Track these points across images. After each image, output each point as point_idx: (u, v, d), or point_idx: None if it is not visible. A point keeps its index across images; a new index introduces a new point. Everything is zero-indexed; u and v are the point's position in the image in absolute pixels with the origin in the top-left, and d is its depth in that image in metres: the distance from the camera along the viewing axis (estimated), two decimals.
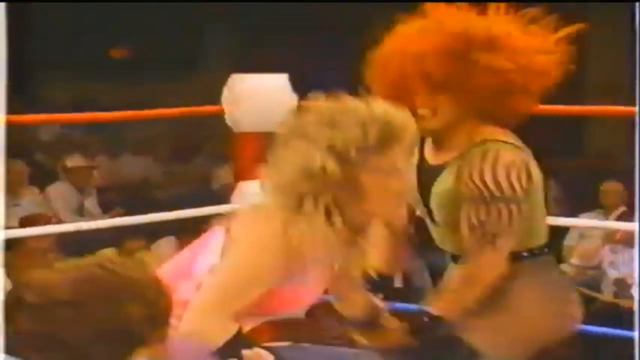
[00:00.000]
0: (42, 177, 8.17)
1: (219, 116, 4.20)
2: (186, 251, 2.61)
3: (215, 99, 4.30)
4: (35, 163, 8.56)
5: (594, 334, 5.44)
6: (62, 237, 6.72)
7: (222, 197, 4.92)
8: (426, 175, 2.87)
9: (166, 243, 6.55)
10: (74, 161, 8.30)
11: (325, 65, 8.65)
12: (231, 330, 2.42)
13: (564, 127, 10.20)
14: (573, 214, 7.51)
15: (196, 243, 2.59)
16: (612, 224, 7.07)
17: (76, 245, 6.86)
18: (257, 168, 4.45)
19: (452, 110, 2.82)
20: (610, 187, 7.79)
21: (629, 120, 10.62)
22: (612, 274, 7.00)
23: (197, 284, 2.48)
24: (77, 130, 9.40)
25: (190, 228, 6.19)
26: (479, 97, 2.82)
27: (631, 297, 6.65)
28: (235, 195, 4.20)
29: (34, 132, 9.48)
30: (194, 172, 9.14)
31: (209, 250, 2.53)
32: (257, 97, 4.12)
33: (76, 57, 10.17)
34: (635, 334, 2.42)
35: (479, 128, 2.83)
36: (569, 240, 7.59)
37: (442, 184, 2.83)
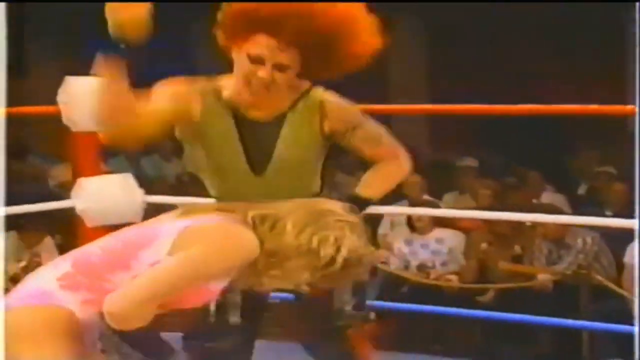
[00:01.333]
0: None
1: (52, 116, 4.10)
2: (119, 241, 2.46)
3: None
4: None
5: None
6: None
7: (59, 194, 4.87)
8: (258, 131, 2.92)
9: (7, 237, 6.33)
10: None
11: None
12: (148, 319, 2.34)
13: None
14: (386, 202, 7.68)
15: (133, 236, 2.47)
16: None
17: None
18: (95, 166, 4.49)
19: (296, 67, 2.86)
20: (412, 179, 7.47)
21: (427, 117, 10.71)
22: (414, 260, 7.03)
23: (133, 276, 2.36)
24: None
25: (31, 223, 6.15)
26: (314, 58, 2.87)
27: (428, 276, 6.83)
28: (75, 192, 4.12)
29: None
30: (28, 171, 8.90)
31: (153, 247, 2.40)
32: (91, 97, 4.09)
33: None
34: (635, 329, 2.35)
35: (299, 84, 2.94)
36: (381, 229, 7.58)
37: (292, 133, 2.90)
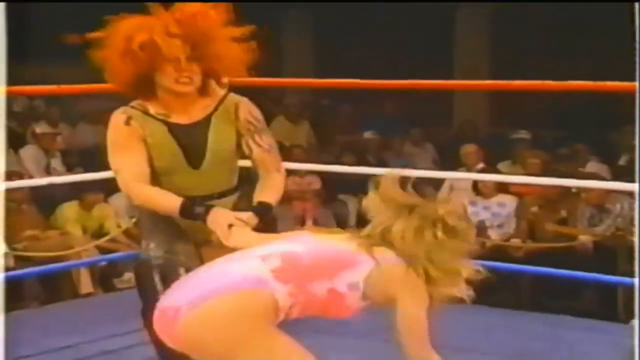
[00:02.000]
0: (15, 142, 8.05)
1: None
2: (323, 255, 2.55)
3: None
4: (9, 129, 8.55)
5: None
6: (34, 190, 6.80)
7: None
8: (189, 133, 3.06)
9: (121, 197, 6.54)
10: (41, 128, 8.32)
11: None
12: None
13: (437, 101, 10.50)
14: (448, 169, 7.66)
15: (334, 254, 2.55)
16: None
17: (46, 198, 7.07)
18: None
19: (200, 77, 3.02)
20: (469, 149, 7.78)
21: (488, 96, 10.85)
22: (476, 219, 6.97)
23: (330, 289, 2.47)
24: (41, 102, 9.41)
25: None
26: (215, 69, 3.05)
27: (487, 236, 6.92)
28: None
29: (9, 104, 9.48)
30: None
31: (354, 271, 2.50)
32: None
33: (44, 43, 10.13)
34: (636, 322, 2.20)
35: (215, 89, 3.12)
36: (442, 191, 7.56)
37: (218, 131, 3.06)
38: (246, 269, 2.48)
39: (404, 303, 2.52)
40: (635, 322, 2.24)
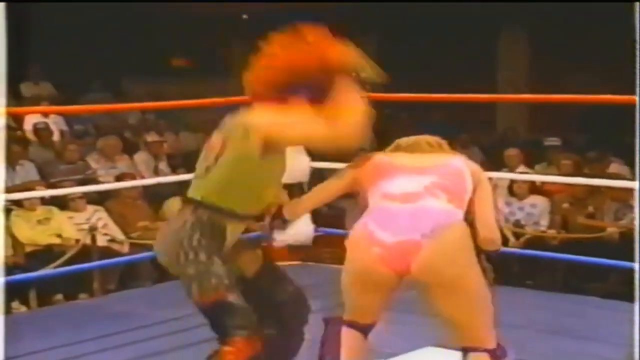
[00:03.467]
0: (130, 149, 8.20)
1: None
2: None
3: None
4: (125, 139, 8.56)
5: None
6: (145, 188, 6.94)
7: None
8: None
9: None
10: (151, 137, 8.40)
11: None
12: None
13: (482, 109, 10.41)
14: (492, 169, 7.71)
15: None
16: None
17: (155, 194, 7.18)
18: None
19: None
20: (512, 152, 7.67)
21: (527, 105, 10.72)
22: (512, 218, 7.03)
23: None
24: (152, 116, 9.57)
25: None
26: None
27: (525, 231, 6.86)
28: None
29: (125, 117, 9.63)
30: None
31: None
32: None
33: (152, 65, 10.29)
34: (636, 318, 2.13)
35: None
36: None
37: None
38: (440, 205, 2.34)
39: None
40: (636, 306, 2.07)
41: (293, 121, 2.54)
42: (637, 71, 2.17)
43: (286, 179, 4.19)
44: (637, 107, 2.34)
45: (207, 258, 2.61)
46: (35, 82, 9.89)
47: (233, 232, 2.68)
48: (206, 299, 2.63)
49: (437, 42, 10.48)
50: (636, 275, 2.18)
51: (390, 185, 2.42)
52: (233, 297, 2.63)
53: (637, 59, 2.16)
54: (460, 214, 2.40)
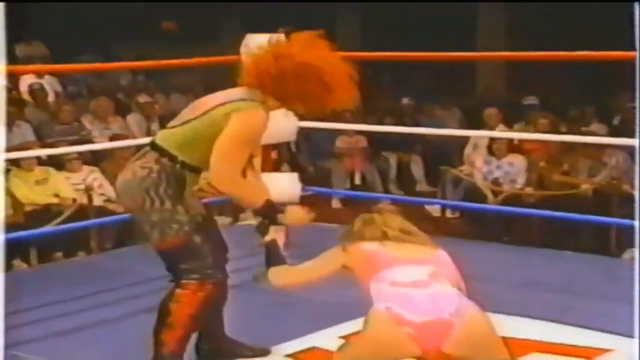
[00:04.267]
0: (123, 110, 8.17)
1: None
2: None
3: None
4: (118, 100, 8.51)
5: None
6: (138, 148, 6.97)
7: None
8: None
9: None
10: (143, 98, 8.41)
11: None
12: None
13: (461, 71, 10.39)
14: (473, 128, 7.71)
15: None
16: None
17: None
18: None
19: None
20: (491, 112, 7.73)
21: (505, 64, 10.67)
22: (490, 176, 7.07)
23: None
24: (142, 78, 9.51)
25: None
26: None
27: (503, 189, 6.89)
28: None
29: (116, 79, 9.57)
30: None
31: None
32: None
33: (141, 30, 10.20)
34: (636, 315, 2.07)
35: None
36: (467, 149, 7.62)
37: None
38: (449, 289, 2.48)
39: None
40: (635, 264, 2.06)
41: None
42: (637, 77, 2.15)
43: (274, 139, 4.24)
44: (637, 112, 2.37)
45: (172, 206, 2.75)
46: (27, 42, 9.80)
47: (190, 183, 2.80)
48: (166, 244, 2.77)
49: (420, 10, 10.45)
50: (636, 235, 2.12)
51: (396, 274, 2.49)
52: (191, 243, 2.78)
53: (638, 58, 2.15)
54: (472, 303, 2.52)
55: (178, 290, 2.80)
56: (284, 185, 4.12)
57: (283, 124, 4.10)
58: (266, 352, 3.04)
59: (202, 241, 2.81)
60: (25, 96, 8.39)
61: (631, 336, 2.95)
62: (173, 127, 2.82)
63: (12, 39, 9.72)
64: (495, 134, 7.27)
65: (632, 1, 2.28)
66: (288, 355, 3.01)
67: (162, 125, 7.83)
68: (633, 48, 2.27)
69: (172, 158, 2.76)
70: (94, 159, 6.83)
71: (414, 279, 2.45)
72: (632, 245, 5.93)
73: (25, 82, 8.48)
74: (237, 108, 2.74)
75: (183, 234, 2.77)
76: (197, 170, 2.82)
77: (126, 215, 5.91)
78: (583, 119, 7.96)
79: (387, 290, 2.44)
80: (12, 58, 9.36)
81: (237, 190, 2.78)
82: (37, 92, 8.24)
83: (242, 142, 2.71)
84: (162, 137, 2.82)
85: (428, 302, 2.39)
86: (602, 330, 3.11)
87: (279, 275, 2.71)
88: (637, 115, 1.98)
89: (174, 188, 2.76)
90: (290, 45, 2.82)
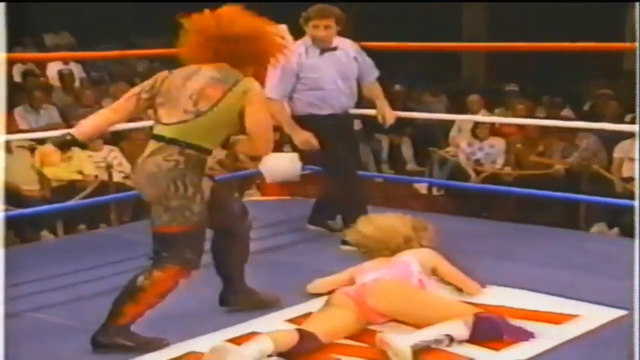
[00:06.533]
0: None
1: None
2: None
3: None
4: (135, 85, 8.53)
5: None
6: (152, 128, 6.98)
7: None
8: None
9: None
10: None
11: None
12: None
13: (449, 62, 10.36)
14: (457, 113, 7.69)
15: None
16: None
17: None
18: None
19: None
20: (473, 98, 7.73)
21: (485, 57, 10.68)
22: (473, 157, 7.09)
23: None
24: (158, 65, 9.46)
25: None
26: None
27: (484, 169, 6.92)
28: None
29: (134, 66, 9.55)
30: None
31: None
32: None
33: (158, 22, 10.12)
34: (636, 314, 2.01)
35: None
36: (452, 132, 7.59)
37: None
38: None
39: None
40: (636, 244, 2.05)
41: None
42: (637, 77, 2.13)
43: (280, 178, 4.21)
44: (637, 114, 2.32)
45: (193, 194, 2.73)
46: (55, 32, 9.79)
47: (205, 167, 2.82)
48: (172, 229, 2.74)
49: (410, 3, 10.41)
50: (636, 216, 2.09)
51: (366, 277, 2.99)
52: (194, 233, 2.76)
53: (637, 62, 2.15)
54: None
55: (157, 272, 2.76)
56: (285, 163, 4.12)
57: (289, 166, 4.10)
58: (277, 300, 3.10)
59: (203, 232, 2.81)
60: (53, 81, 8.37)
61: (597, 303, 3.02)
62: (185, 121, 2.75)
63: (42, 30, 9.72)
64: (478, 118, 7.27)
65: (633, 0, 2.24)
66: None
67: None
68: (618, 37, 2.26)
69: (197, 148, 2.74)
70: (114, 139, 6.83)
71: (370, 278, 2.94)
72: (599, 220, 6.02)
73: (53, 67, 8.46)
74: (245, 88, 2.76)
75: (192, 223, 2.74)
76: (210, 153, 2.81)
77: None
78: (557, 104, 7.94)
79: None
80: (41, 46, 9.37)
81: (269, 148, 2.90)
82: (66, 77, 8.23)
83: (264, 106, 2.82)
84: (179, 132, 2.74)
85: (363, 280, 2.96)
86: (571, 298, 3.12)
87: (315, 289, 3.19)
88: (637, 104, 2.06)
89: (198, 176, 2.76)
90: (223, 18, 2.81)
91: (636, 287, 2.00)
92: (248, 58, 2.83)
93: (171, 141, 2.73)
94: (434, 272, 3.12)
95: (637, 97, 2.12)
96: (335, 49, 3.75)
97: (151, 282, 2.74)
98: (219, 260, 3.03)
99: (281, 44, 2.90)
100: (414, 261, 3.03)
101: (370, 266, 3.08)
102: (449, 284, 3.14)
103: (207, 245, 2.96)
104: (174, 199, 2.71)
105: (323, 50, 3.70)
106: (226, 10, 2.85)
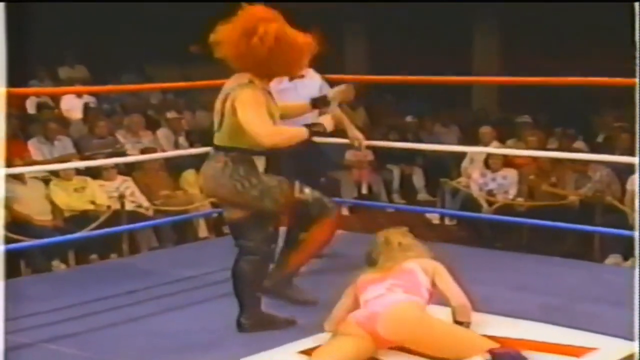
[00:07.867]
0: (153, 125, 8.15)
1: None
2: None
3: None
4: (148, 116, 8.51)
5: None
6: (166, 161, 6.95)
7: None
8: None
9: None
10: (171, 114, 8.39)
11: None
12: None
13: (459, 92, 10.36)
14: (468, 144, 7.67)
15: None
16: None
17: (175, 166, 7.19)
18: None
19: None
20: (485, 130, 7.71)
21: (498, 87, 10.63)
22: (485, 188, 7.08)
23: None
24: (171, 96, 9.53)
25: None
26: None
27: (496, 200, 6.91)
28: None
29: (147, 97, 9.58)
30: None
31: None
32: None
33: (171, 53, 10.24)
34: (636, 313, 2.00)
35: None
36: (465, 163, 7.58)
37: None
38: (398, 296, 2.90)
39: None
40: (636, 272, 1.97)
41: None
42: (637, 77, 2.10)
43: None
44: (637, 116, 2.32)
45: (258, 180, 3.05)
46: (70, 66, 9.86)
47: (257, 164, 3.08)
48: (280, 206, 3.07)
49: (421, 35, 10.45)
50: (636, 244, 2.08)
51: (367, 294, 2.96)
52: (294, 200, 3.10)
53: (637, 62, 2.11)
54: (416, 297, 2.90)
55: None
56: None
57: None
58: (293, 322, 3.18)
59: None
60: (67, 114, 8.41)
61: (614, 335, 2.96)
62: (218, 130, 3.09)
63: (57, 63, 9.80)
64: (489, 150, 7.23)
65: (633, 0, 2.21)
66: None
67: (188, 139, 7.99)
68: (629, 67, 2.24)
69: (234, 149, 3.04)
70: (127, 169, 6.84)
71: (375, 295, 2.90)
72: (613, 252, 5.97)
73: (67, 101, 8.51)
74: (233, 98, 3.01)
75: (285, 194, 3.06)
76: (253, 152, 3.06)
77: (154, 221, 6.07)
78: (570, 136, 7.92)
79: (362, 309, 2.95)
80: (55, 80, 9.44)
81: (283, 135, 3.01)
82: (91, 111, 8.23)
83: (253, 105, 2.96)
84: (217, 140, 3.10)
85: (374, 306, 2.87)
86: (588, 330, 3.07)
87: (331, 326, 3.02)
88: (637, 133, 2.09)
89: (247, 169, 3.05)
90: (256, 25, 2.98)
91: (636, 316, 2.06)
92: (277, 72, 3.12)
93: (217, 148, 3.10)
94: (432, 284, 3.02)
95: (637, 127, 2.13)
96: (302, 76, 3.85)
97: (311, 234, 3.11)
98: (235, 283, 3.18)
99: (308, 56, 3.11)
100: (419, 270, 2.98)
101: (374, 278, 2.98)
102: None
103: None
104: (250, 190, 3.02)
105: (292, 78, 3.77)
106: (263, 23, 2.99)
